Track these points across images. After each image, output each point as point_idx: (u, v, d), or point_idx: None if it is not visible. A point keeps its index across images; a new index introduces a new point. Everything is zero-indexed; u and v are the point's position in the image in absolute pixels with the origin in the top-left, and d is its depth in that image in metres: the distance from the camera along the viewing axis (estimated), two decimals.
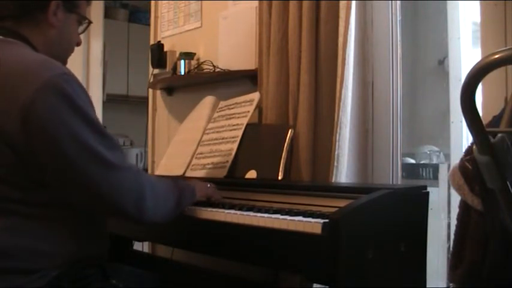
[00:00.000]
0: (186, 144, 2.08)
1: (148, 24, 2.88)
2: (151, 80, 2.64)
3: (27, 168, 1.15)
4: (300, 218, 1.23)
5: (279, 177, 1.69)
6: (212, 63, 2.32)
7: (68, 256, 1.21)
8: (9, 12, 1.26)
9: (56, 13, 1.28)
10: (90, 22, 1.41)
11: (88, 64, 3.75)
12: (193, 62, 2.40)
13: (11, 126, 1.12)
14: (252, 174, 1.76)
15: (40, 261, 1.17)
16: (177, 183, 1.38)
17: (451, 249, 1.45)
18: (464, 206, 1.40)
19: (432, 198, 1.45)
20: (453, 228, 1.45)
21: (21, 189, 1.16)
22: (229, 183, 1.73)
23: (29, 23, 1.27)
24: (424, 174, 2.66)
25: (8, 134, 1.12)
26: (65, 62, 1.38)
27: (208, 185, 1.55)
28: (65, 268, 1.20)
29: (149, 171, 2.75)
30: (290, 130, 1.76)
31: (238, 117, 1.92)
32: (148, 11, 2.91)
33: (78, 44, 1.40)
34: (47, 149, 1.13)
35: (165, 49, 2.59)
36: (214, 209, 1.43)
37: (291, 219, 1.23)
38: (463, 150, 1.57)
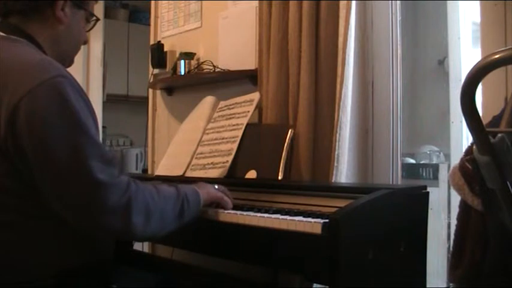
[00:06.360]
0: (186, 144, 2.08)
1: (148, 24, 2.88)
2: (151, 80, 2.64)
3: (21, 175, 1.11)
4: (300, 218, 1.23)
5: (279, 177, 1.68)
6: (212, 63, 2.32)
7: (68, 265, 1.18)
8: (16, 7, 1.24)
9: (64, 9, 1.27)
10: (97, 19, 1.39)
11: (88, 64, 3.74)
12: (193, 62, 2.40)
13: (1, 129, 1.08)
14: (252, 174, 1.75)
15: (38, 272, 1.15)
16: (179, 193, 1.27)
17: (451, 249, 1.45)
18: (464, 206, 1.40)
19: (432, 198, 1.45)
20: (453, 228, 1.45)
21: (17, 197, 1.13)
22: (229, 183, 1.73)
23: (37, 19, 1.25)
24: (424, 174, 2.66)
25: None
26: (71, 61, 1.36)
27: (216, 187, 1.46)
28: (65, 276, 1.17)
29: (149, 171, 2.75)
30: (290, 130, 1.76)
31: (238, 117, 1.91)
32: (148, 11, 2.91)
33: (85, 42, 1.38)
34: (35, 154, 1.08)
35: (165, 49, 2.59)
36: (214, 209, 1.42)
37: (291, 219, 1.23)
38: (463, 150, 1.57)
